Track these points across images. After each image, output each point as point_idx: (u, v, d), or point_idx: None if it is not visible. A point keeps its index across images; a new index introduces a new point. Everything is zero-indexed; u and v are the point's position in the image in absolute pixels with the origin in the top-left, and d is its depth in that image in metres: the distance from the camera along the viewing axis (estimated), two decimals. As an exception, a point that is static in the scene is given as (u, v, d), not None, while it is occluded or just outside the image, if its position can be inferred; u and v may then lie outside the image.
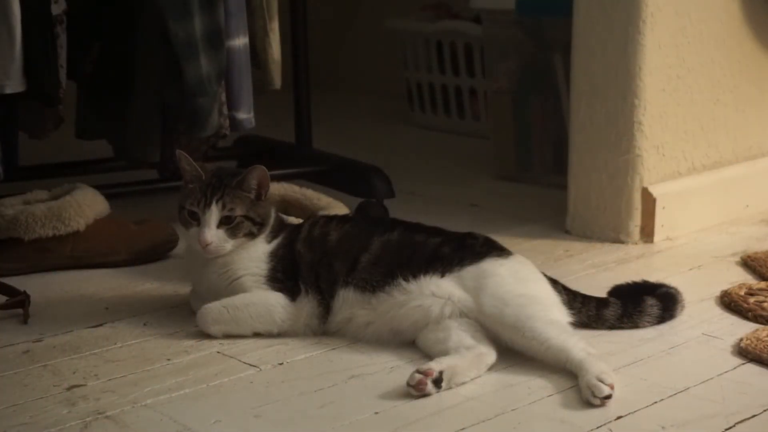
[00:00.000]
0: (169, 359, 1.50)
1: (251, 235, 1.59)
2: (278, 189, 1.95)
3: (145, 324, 1.64)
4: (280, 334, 1.57)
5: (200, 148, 2.14)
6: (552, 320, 1.48)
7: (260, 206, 1.60)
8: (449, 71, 3.23)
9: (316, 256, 1.58)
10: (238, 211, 1.57)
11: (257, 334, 1.57)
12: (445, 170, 2.80)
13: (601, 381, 1.35)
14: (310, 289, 1.56)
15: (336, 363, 1.49)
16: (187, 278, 1.71)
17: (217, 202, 1.56)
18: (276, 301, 1.56)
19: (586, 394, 1.35)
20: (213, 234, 1.57)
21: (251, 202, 1.59)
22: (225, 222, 1.57)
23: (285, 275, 1.58)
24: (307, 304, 1.56)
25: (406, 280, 1.53)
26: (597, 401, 1.34)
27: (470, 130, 3.20)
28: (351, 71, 4.04)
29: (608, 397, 1.34)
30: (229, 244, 1.58)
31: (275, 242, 1.61)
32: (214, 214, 1.56)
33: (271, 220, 1.62)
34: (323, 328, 1.58)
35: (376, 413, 1.33)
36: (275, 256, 1.59)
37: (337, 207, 1.96)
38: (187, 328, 1.60)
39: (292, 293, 1.57)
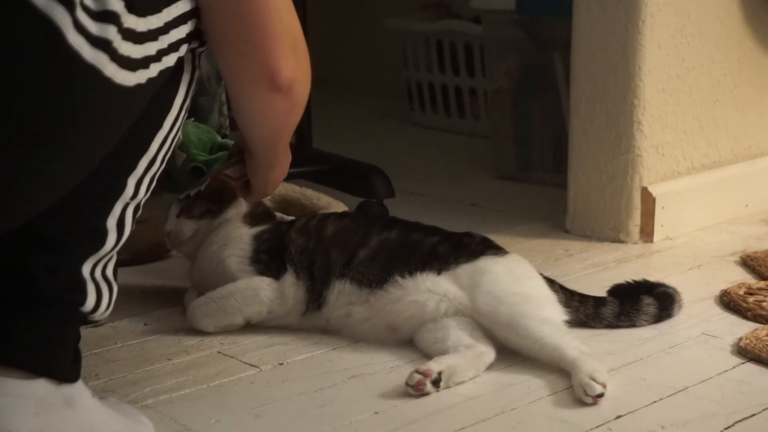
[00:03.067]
0: (169, 359, 1.50)
1: (211, 213, 1.64)
2: (278, 189, 1.95)
3: (145, 324, 1.64)
4: (270, 316, 1.58)
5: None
6: (546, 319, 1.48)
7: (214, 193, 1.64)
8: (449, 71, 3.23)
9: (311, 242, 1.59)
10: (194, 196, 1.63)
11: (251, 328, 1.58)
12: (445, 170, 2.80)
13: (594, 379, 1.34)
14: (300, 272, 1.57)
15: (336, 363, 1.49)
16: (187, 274, 1.71)
17: (180, 201, 1.65)
18: (261, 281, 1.57)
19: (578, 393, 1.35)
20: (172, 223, 1.64)
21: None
22: (183, 211, 1.64)
23: (269, 257, 1.59)
24: (294, 286, 1.57)
25: (403, 277, 1.53)
26: (589, 399, 1.34)
27: (470, 130, 3.20)
28: (351, 71, 4.04)
29: (600, 395, 1.34)
30: (187, 226, 1.64)
31: (259, 228, 1.63)
32: (174, 208, 1.65)
33: (238, 201, 1.65)
34: (314, 321, 1.57)
35: (376, 413, 1.33)
36: (259, 239, 1.61)
37: (337, 207, 1.96)
38: (187, 328, 1.60)
39: (277, 272, 1.58)
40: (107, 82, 1.05)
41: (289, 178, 2.13)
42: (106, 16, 1.03)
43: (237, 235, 1.62)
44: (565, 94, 2.39)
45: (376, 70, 3.88)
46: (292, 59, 1.26)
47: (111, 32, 1.03)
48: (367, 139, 3.14)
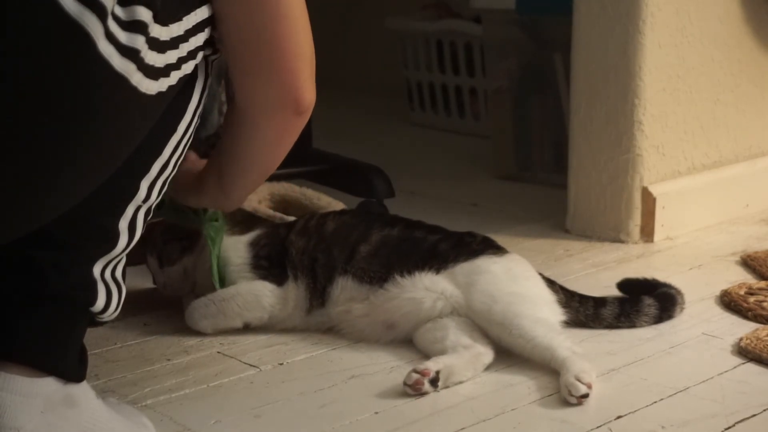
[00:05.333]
0: (169, 359, 1.50)
1: (189, 249, 1.62)
2: (278, 189, 1.95)
3: (145, 324, 1.64)
4: (271, 321, 1.58)
5: (200, 147, 2.13)
6: (539, 318, 1.47)
7: (177, 228, 1.63)
8: (449, 71, 3.23)
9: (312, 241, 1.59)
10: (159, 244, 1.62)
11: (251, 329, 1.58)
12: (445, 169, 2.80)
13: (579, 380, 1.34)
14: (300, 273, 1.56)
15: (336, 363, 1.49)
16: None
17: (150, 254, 1.64)
18: (263, 287, 1.57)
19: (564, 393, 1.35)
20: (159, 276, 1.64)
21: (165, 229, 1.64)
22: (162, 262, 1.63)
23: (269, 262, 1.58)
24: (295, 289, 1.57)
25: (402, 275, 1.53)
26: (573, 400, 1.34)
27: (470, 130, 3.20)
28: (351, 70, 4.04)
29: (585, 396, 1.33)
30: (174, 272, 1.63)
31: (252, 234, 1.62)
32: (152, 263, 1.64)
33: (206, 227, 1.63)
34: (317, 318, 1.57)
35: (376, 413, 1.33)
36: (256, 245, 1.61)
37: (336, 207, 1.95)
38: (187, 328, 1.60)
39: (279, 279, 1.57)
40: (133, 90, 1.06)
41: (289, 177, 2.14)
42: (135, 26, 1.04)
43: (230, 245, 1.60)
44: (565, 94, 2.39)
45: (376, 70, 3.88)
46: (312, 82, 1.29)
47: (139, 42, 1.04)
48: (367, 139, 3.14)
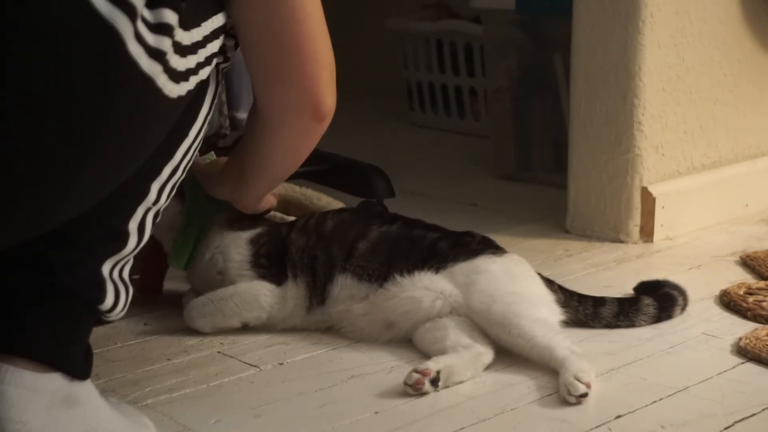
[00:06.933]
0: (169, 359, 1.51)
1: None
2: (278, 189, 1.95)
3: (145, 324, 1.64)
4: (270, 321, 1.58)
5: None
6: (539, 318, 1.48)
7: None
8: (449, 71, 3.23)
9: (311, 240, 1.59)
10: None
11: (251, 329, 1.58)
12: (445, 170, 2.80)
13: (578, 379, 1.34)
14: (300, 272, 1.56)
15: (336, 363, 1.49)
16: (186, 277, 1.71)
17: None
18: (262, 286, 1.57)
19: (563, 392, 1.35)
20: None
21: None
22: None
23: (269, 261, 1.58)
24: (295, 288, 1.57)
25: (401, 274, 1.53)
26: (572, 399, 1.34)
27: (470, 130, 3.20)
28: (351, 71, 4.03)
29: (584, 395, 1.34)
30: None
31: (252, 231, 1.61)
32: None
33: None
34: (317, 317, 1.57)
35: (376, 413, 1.33)
36: (256, 243, 1.60)
37: (337, 207, 1.95)
38: (187, 328, 1.60)
39: (278, 278, 1.57)
40: (158, 92, 1.07)
41: (290, 178, 2.13)
42: (162, 29, 1.05)
43: (231, 240, 1.60)
44: (565, 94, 2.39)
45: (376, 70, 3.88)
46: (332, 88, 1.31)
47: (166, 44, 1.05)
48: (367, 139, 3.14)
